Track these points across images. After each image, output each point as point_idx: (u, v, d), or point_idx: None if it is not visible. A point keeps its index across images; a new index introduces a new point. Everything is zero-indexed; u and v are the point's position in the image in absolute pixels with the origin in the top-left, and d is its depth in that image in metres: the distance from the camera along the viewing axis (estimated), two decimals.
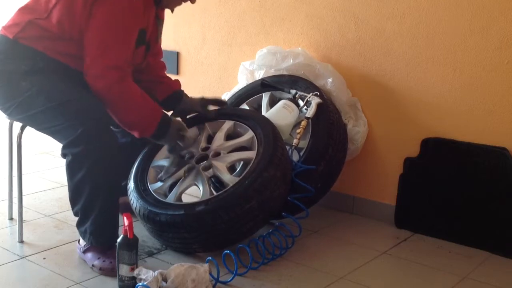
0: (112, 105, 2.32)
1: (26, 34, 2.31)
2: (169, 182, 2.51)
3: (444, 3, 2.61)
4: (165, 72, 2.77)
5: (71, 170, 2.27)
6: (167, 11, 2.60)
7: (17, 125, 2.50)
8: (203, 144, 2.62)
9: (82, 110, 2.25)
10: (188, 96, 2.72)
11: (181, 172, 2.52)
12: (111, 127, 2.36)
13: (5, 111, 2.41)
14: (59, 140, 2.32)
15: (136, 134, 2.42)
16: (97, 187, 2.25)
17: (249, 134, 2.56)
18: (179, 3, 2.53)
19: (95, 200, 2.27)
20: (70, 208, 2.37)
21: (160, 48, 2.72)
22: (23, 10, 2.37)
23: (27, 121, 2.40)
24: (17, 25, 2.33)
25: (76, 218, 2.36)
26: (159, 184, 2.52)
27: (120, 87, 2.30)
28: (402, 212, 2.82)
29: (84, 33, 2.27)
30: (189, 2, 2.51)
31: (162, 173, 2.54)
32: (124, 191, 2.57)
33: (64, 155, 2.29)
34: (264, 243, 2.43)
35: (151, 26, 2.47)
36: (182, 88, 2.75)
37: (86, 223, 2.31)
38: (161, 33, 2.62)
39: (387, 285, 2.34)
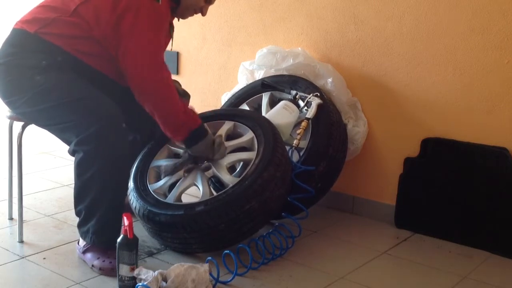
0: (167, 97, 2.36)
1: (48, 30, 2.31)
2: (169, 181, 2.51)
3: (444, 3, 2.61)
4: None
5: (81, 167, 2.26)
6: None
7: (17, 125, 2.50)
8: None
9: (96, 108, 2.25)
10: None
11: (181, 172, 2.52)
12: None
13: (10, 104, 2.37)
14: (68, 137, 2.30)
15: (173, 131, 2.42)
16: (106, 186, 2.25)
17: (249, 135, 2.56)
18: (192, 14, 2.58)
19: (102, 199, 2.27)
20: (70, 208, 2.37)
21: None
22: (44, 7, 2.38)
23: (34, 116, 2.35)
24: (39, 20, 2.32)
25: (77, 219, 2.36)
26: (159, 184, 2.52)
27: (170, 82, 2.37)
28: (402, 212, 2.81)
29: (123, 38, 2.28)
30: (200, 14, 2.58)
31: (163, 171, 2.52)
32: None
33: (74, 152, 2.28)
34: (264, 243, 2.43)
35: (167, 33, 2.50)
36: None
37: (89, 222, 2.31)
38: (172, 39, 2.64)
39: (387, 285, 2.34)
